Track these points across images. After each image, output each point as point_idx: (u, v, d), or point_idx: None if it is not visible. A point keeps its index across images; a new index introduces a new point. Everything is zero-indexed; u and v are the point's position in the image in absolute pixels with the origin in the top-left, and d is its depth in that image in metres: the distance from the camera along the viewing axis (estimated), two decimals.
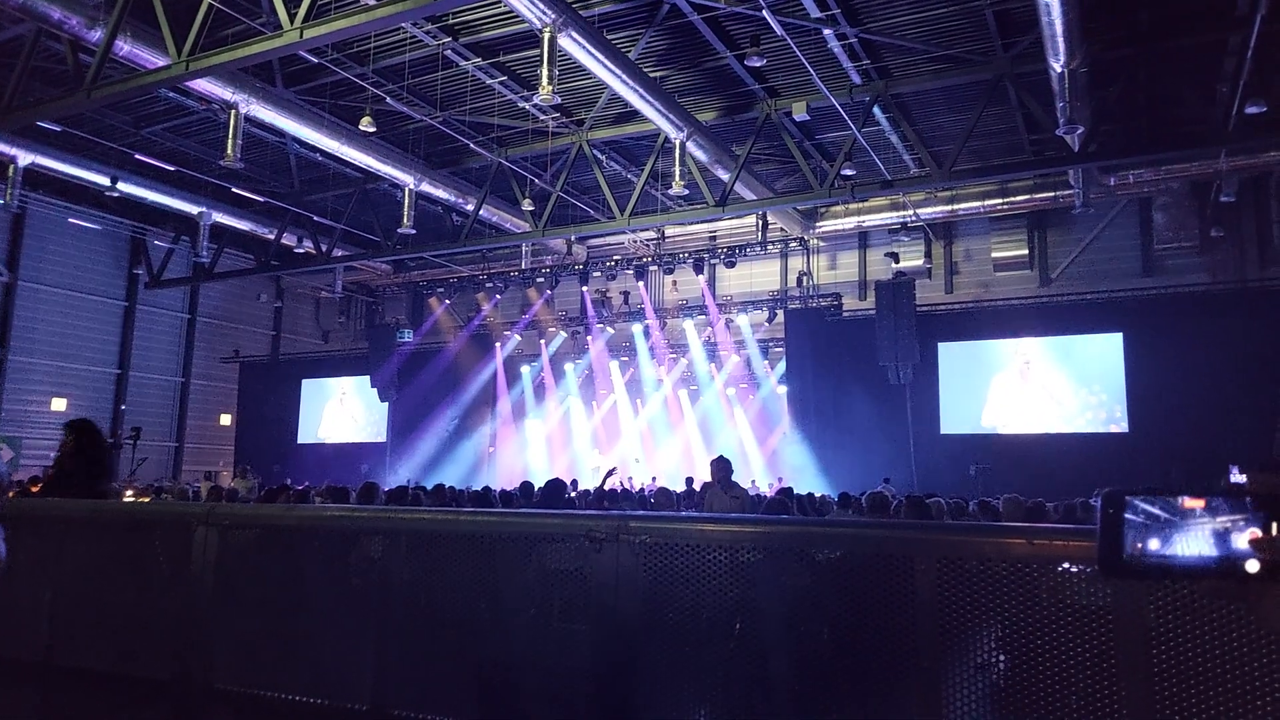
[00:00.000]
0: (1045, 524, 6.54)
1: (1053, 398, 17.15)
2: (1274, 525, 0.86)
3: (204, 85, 12.03)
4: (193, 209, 18.49)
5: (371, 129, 13.84)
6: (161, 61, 10.85)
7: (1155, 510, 0.89)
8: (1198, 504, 0.88)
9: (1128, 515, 0.89)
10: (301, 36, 9.57)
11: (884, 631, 2.34)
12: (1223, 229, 16.82)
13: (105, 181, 16.82)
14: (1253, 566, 0.86)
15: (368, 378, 22.85)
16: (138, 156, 17.11)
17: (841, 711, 2.35)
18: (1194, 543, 0.88)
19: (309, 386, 25.27)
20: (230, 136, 12.49)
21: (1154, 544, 0.88)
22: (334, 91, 14.25)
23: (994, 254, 18.95)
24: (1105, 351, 16.70)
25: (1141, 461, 14.92)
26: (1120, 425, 16.34)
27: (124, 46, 10.83)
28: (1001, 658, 2.20)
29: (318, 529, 3.39)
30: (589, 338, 22.04)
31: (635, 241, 21.48)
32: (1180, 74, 13.14)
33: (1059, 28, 10.04)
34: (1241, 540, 0.87)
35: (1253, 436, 13.70)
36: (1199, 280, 16.83)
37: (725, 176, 15.03)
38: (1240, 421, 14.22)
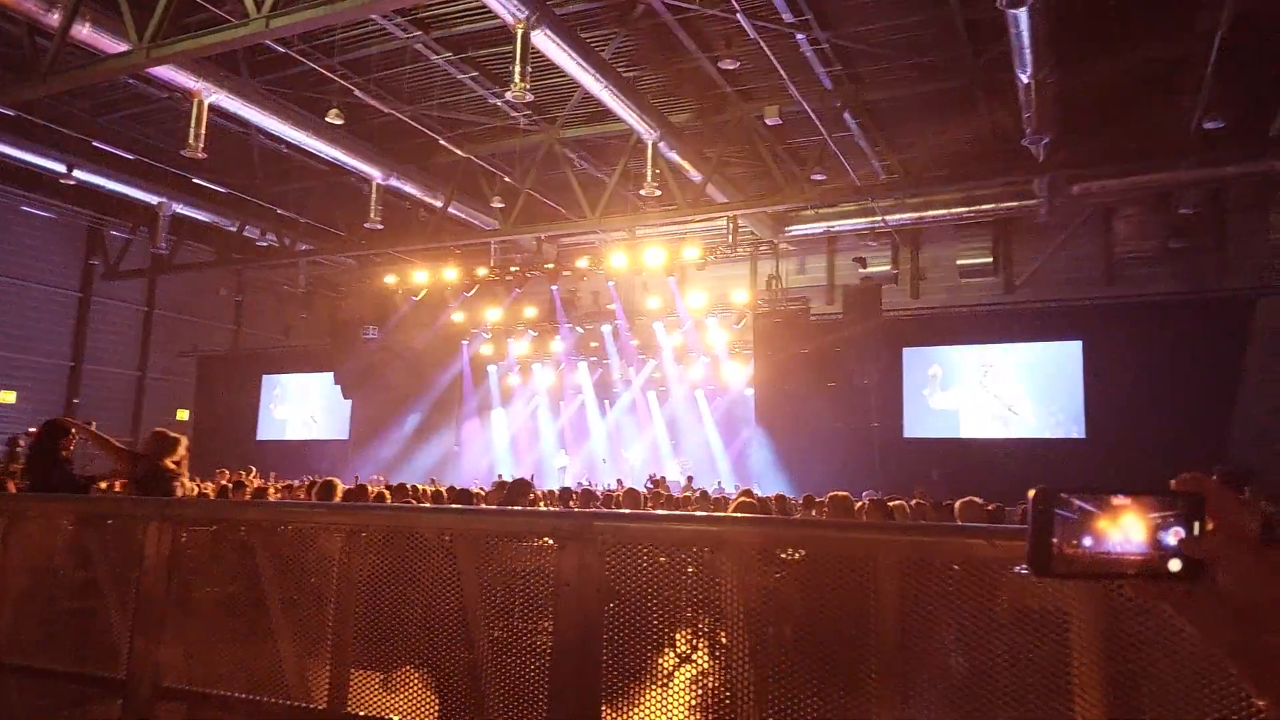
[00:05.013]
0: (1006, 525, 6.60)
1: (1013, 404, 17.43)
2: (1196, 524, 0.87)
3: (166, 73, 11.77)
4: (152, 199, 18.09)
5: (339, 121, 13.65)
6: (122, 47, 10.59)
7: (1087, 508, 0.89)
8: (1127, 502, 0.89)
9: (1059, 512, 0.89)
10: (268, 26, 9.41)
11: (847, 630, 2.34)
12: (1182, 240, 17.20)
13: (61, 169, 16.40)
14: (1175, 565, 0.87)
15: (330, 374, 22.55)
16: (95, 144, 16.70)
17: (804, 710, 2.34)
18: (1123, 542, 0.88)
19: (269, 382, 24.88)
20: (193, 126, 12.25)
21: (1086, 542, 0.89)
22: (300, 83, 14.03)
23: (960, 261, 19.20)
24: (1065, 358, 17.02)
25: (1099, 467, 15.21)
26: (1078, 431, 16.66)
27: (83, 30, 10.55)
28: (963, 656, 2.21)
29: (275, 525, 3.32)
30: (557, 337, 21.95)
31: (606, 242, 21.43)
32: (1145, 87, 13.42)
33: (1026, 39, 10.19)
34: (1168, 539, 0.88)
35: (1208, 444, 14.05)
36: (1159, 290, 17.19)
37: (697, 178, 15.06)
38: (1196, 429, 14.58)
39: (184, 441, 5.68)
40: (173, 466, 5.54)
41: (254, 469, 15.78)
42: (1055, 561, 0.89)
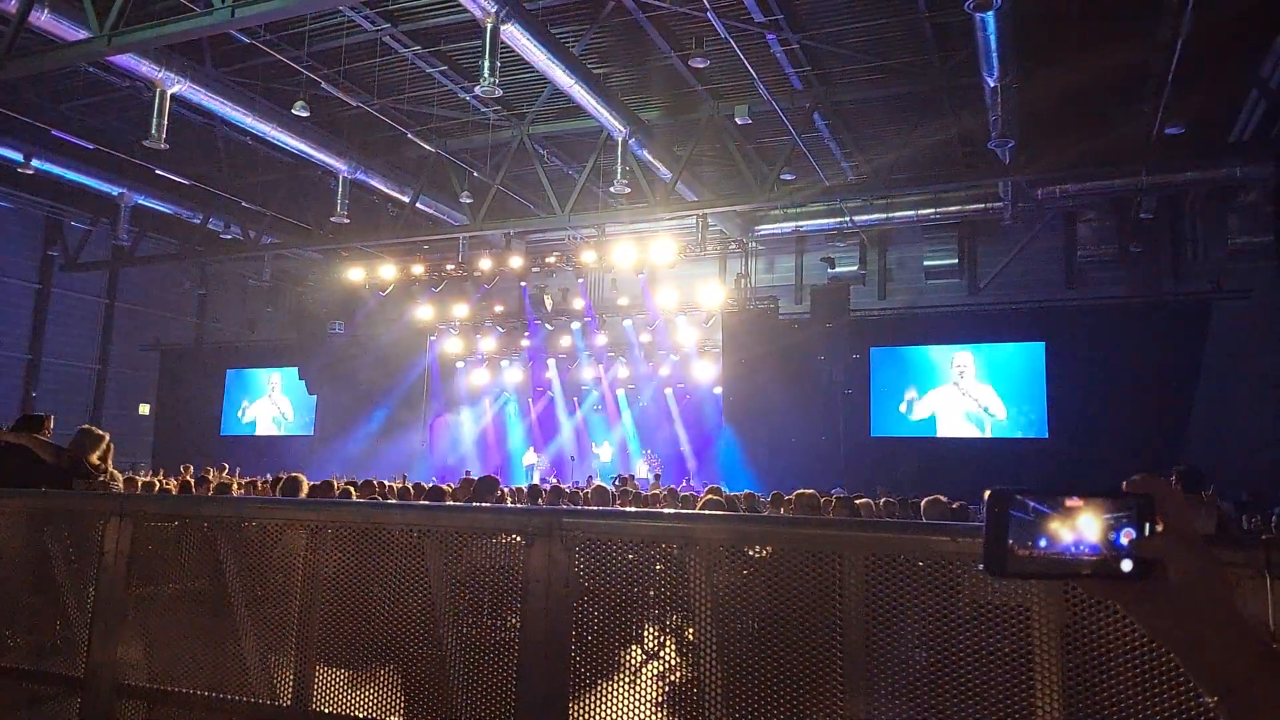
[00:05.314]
0: (969, 523, 6.69)
1: (977, 403, 17.70)
2: (1147, 525, 0.89)
3: (128, 61, 11.55)
4: (113, 190, 17.71)
5: (305, 114, 13.47)
6: (82, 35, 10.37)
7: (1041, 509, 0.90)
8: (1080, 504, 0.90)
9: (1014, 513, 0.91)
10: (233, 16, 9.26)
11: (813, 625, 2.36)
12: (1141, 244, 17.57)
13: (18, 158, 16.01)
14: (1127, 566, 0.89)
15: (295, 369, 22.25)
16: (54, 133, 16.30)
17: (771, 704, 2.36)
18: (1076, 542, 0.90)
19: (234, 376, 24.51)
20: (155, 116, 12.02)
21: (1040, 543, 0.90)
22: (266, 74, 13.82)
23: (926, 262, 19.43)
24: (1029, 359, 17.31)
25: (1061, 467, 15.50)
26: (1042, 431, 16.97)
27: (42, 16, 10.31)
28: (926, 651, 2.24)
29: (238, 521, 3.27)
30: (526, 334, 21.84)
31: (575, 239, 21.38)
32: (1107, 93, 13.69)
33: (993, 43, 10.35)
34: (1120, 540, 0.89)
35: (1166, 444, 14.38)
36: (1118, 293, 17.54)
37: (667, 176, 15.08)
38: (1155, 429, 14.91)
39: (108, 438, 5.95)
40: (97, 462, 5.77)
41: (225, 465, 15.51)
42: (1010, 562, 0.91)
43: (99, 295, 22.96)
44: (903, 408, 18.20)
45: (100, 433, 5.95)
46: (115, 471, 6.29)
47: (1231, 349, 15.53)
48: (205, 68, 13.01)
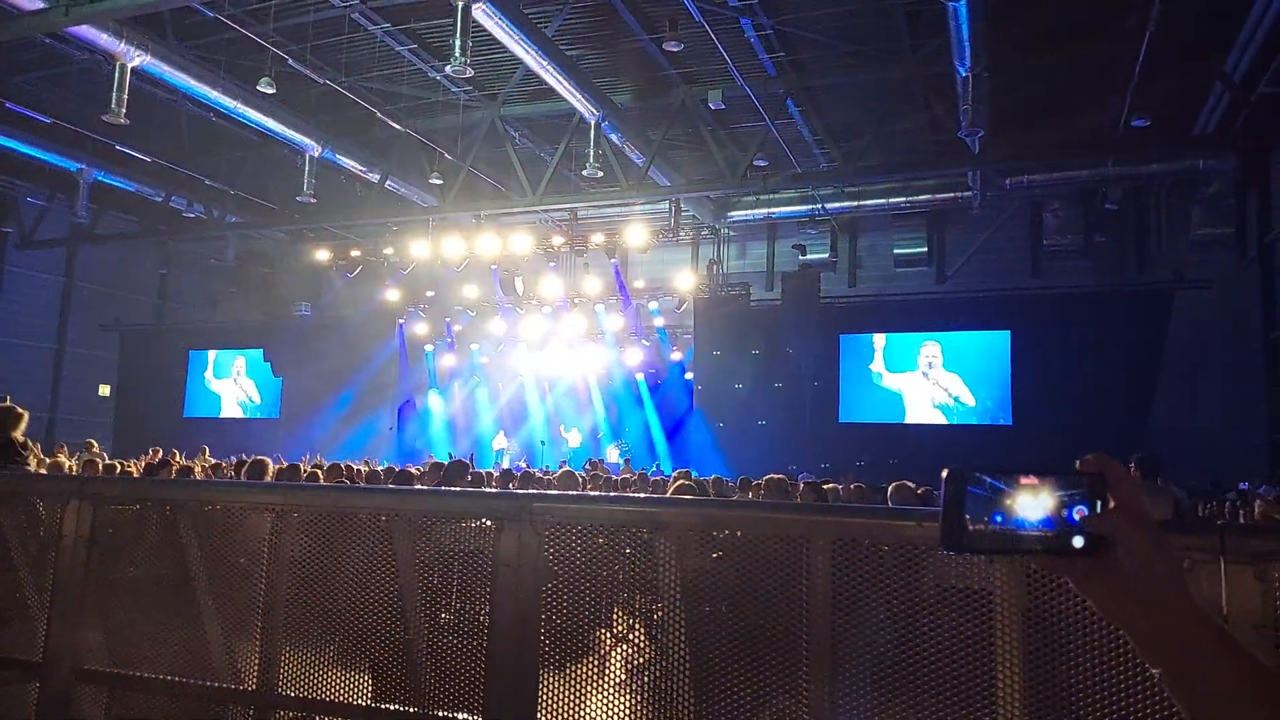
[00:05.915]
0: (934, 508, 6.77)
1: (947, 392, 17.93)
2: (1098, 502, 0.91)
3: (86, 33, 11.21)
4: (71, 166, 17.24)
5: (271, 90, 13.20)
6: (38, 5, 10.06)
7: (998, 485, 0.92)
8: (1035, 482, 0.92)
9: (971, 490, 0.92)
10: None
11: (780, 608, 2.39)
12: (1105, 234, 17.85)
13: None
14: (1078, 542, 0.91)
15: (260, 351, 21.94)
16: (9, 106, 15.82)
17: (737, 684, 2.38)
18: (1030, 519, 0.92)
19: (196, 358, 24.11)
20: (115, 91, 11.72)
21: (996, 519, 0.92)
22: (231, 49, 13.50)
23: (895, 250, 19.59)
24: (994, 347, 17.56)
25: (1024, 453, 15.75)
26: (1006, 418, 17.24)
27: None
28: (891, 632, 2.28)
29: (202, 505, 3.23)
30: (497, 318, 21.70)
31: (547, 222, 21.24)
32: (1076, 85, 13.85)
33: (965, 33, 10.41)
34: (1072, 516, 0.92)
35: (1128, 432, 14.68)
36: (1083, 282, 17.82)
37: (640, 161, 15.02)
38: (1117, 417, 15.22)
39: (26, 416, 6.02)
40: (21, 439, 5.82)
41: (206, 448, 15.21)
42: (966, 538, 0.92)
43: (56, 274, 22.38)
44: (874, 365, 18.27)
45: (21, 410, 5.97)
46: (38, 452, 6.31)
47: (1192, 339, 15.86)
48: (167, 41, 12.69)
